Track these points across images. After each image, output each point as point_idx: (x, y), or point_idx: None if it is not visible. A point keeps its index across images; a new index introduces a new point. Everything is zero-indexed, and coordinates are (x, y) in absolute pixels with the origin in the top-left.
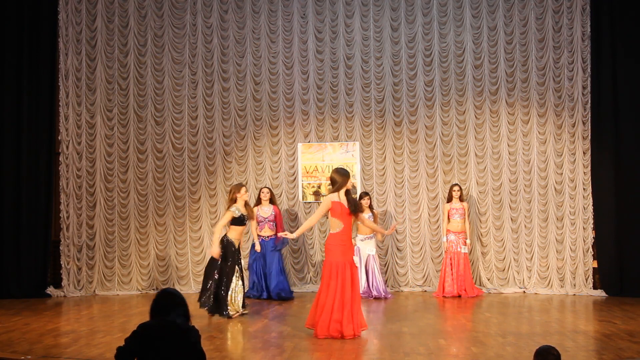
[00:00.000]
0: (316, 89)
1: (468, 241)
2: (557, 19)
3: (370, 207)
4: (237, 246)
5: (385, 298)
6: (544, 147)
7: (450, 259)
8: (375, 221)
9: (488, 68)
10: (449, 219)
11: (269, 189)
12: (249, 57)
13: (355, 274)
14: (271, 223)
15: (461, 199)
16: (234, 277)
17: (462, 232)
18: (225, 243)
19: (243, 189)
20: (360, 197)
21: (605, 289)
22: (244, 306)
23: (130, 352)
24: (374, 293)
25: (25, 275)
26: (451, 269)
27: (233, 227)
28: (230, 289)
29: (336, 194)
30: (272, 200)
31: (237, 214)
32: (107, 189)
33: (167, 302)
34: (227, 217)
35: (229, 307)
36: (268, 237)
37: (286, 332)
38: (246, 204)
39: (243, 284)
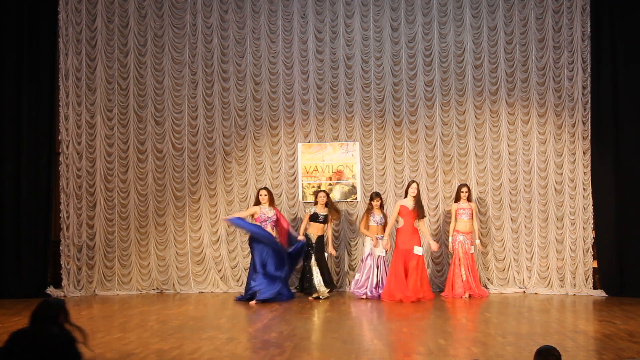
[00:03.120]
0: (316, 89)
1: (477, 241)
2: (557, 19)
3: (381, 207)
4: (313, 240)
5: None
6: (544, 147)
7: (459, 260)
8: (385, 223)
9: (488, 68)
10: (456, 219)
11: (268, 190)
12: (249, 57)
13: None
14: (274, 223)
15: (469, 199)
16: (310, 265)
17: (470, 232)
18: (305, 237)
19: (322, 193)
20: (371, 198)
21: (605, 289)
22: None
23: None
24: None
25: (25, 275)
26: (460, 269)
27: (311, 223)
28: (312, 275)
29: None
30: (271, 202)
31: (311, 212)
32: (107, 189)
33: (44, 313)
34: (306, 216)
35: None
36: None
37: (286, 332)
38: (326, 205)
39: (319, 272)
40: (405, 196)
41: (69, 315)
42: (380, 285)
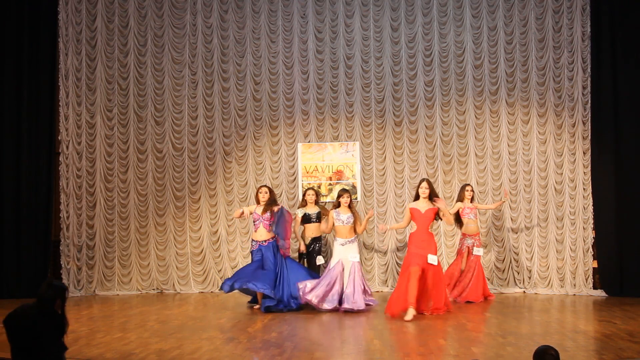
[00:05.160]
0: (316, 89)
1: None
2: (557, 19)
3: (350, 206)
4: (307, 242)
5: (359, 310)
6: (544, 147)
7: (468, 264)
8: (355, 222)
9: (488, 68)
10: (462, 219)
11: (268, 188)
12: (249, 57)
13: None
14: (267, 223)
15: (472, 199)
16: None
17: (477, 233)
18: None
19: (310, 191)
20: (339, 195)
21: (605, 289)
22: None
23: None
24: (345, 305)
25: (25, 275)
26: (465, 274)
27: (305, 225)
28: None
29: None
30: (271, 201)
31: (301, 214)
32: (107, 189)
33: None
34: (297, 220)
35: None
36: (265, 241)
37: (286, 332)
38: (316, 203)
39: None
40: (417, 197)
41: (65, 303)
42: (350, 295)
